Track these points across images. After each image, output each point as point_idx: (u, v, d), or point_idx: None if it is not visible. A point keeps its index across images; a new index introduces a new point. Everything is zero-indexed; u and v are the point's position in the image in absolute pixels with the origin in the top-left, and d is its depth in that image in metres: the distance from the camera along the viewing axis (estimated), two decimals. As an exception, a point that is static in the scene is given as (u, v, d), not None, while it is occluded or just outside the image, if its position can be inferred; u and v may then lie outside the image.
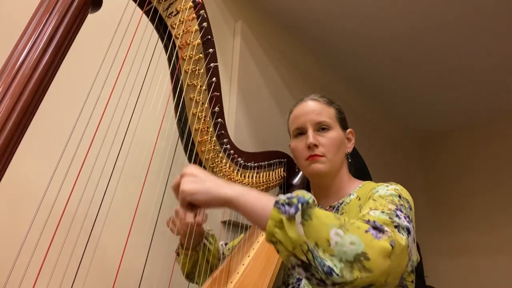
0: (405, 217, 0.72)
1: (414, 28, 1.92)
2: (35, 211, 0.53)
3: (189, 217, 0.93)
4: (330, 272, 0.58)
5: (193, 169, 0.69)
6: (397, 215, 0.70)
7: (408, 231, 0.69)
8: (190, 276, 0.99)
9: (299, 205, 0.59)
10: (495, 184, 2.54)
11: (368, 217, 0.67)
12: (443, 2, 1.74)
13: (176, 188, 0.70)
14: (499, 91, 2.41)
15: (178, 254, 1.01)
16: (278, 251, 0.61)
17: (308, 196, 0.62)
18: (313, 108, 1.01)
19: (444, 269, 2.56)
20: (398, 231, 0.66)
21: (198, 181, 0.67)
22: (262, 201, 0.63)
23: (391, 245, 0.61)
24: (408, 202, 0.80)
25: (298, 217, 0.59)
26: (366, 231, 0.62)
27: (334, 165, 0.98)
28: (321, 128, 0.99)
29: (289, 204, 0.60)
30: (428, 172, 2.95)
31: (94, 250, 0.90)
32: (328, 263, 0.58)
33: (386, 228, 0.63)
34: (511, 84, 2.31)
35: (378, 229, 0.63)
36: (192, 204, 0.69)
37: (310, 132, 0.98)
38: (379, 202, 0.75)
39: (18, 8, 0.93)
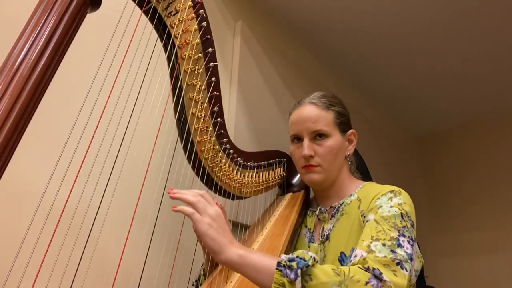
0: (408, 241, 0.74)
1: (414, 28, 1.92)
2: (34, 210, 0.53)
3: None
4: None
5: (217, 215, 0.72)
6: (399, 245, 0.72)
7: (411, 259, 0.71)
8: None
9: (298, 271, 0.62)
10: (495, 184, 2.54)
11: (369, 260, 0.68)
12: (444, 3, 1.74)
13: (194, 204, 0.72)
14: (499, 91, 2.40)
15: (197, 287, 0.99)
16: None
17: (308, 257, 0.65)
18: (310, 114, 0.98)
19: (444, 269, 2.56)
20: (401, 267, 0.68)
21: (216, 228, 0.70)
22: (265, 263, 0.66)
23: None
24: (410, 220, 0.80)
25: (298, 283, 0.62)
26: (367, 283, 0.64)
27: (330, 173, 0.97)
28: (318, 135, 0.97)
29: (290, 268, 0.63)
30: (428, 172, 2.95)
31: (93, 250, 0.90)
32: None
33: (385, 277, 0.65)
34: (511, 84, 2.31)
35: (378, 278, 0.65)
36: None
37: (306, 142, 0.97)
38: (381, 228, 0.76)
39: (17, 8, 0.93)
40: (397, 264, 0.68)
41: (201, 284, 0.96)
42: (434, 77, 2.30)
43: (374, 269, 0.66)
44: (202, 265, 1.00)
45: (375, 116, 2.63)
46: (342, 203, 0.95)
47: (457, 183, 2.75)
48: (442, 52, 2.09)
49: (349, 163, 1.04)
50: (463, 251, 2.55)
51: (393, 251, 0.70)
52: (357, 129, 1.06)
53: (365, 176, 1.17)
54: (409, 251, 0.72)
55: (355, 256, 0.72)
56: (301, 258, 0.64)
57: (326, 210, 0.98)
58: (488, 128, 2.69)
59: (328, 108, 0.99)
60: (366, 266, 0.67)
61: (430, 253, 2.47)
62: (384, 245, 0.71)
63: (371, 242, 0.73)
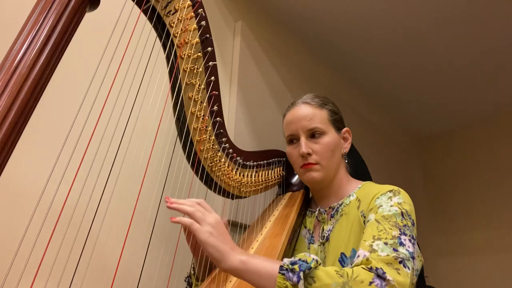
0: (409, 240, 0.74)
1: (415, 28, 1.92)
2: (34, 208, 0.53)
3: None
4: None
5: (217, 223, 0.72)
6: (401, 243, 0.72)
7: (413, 258, 0.71)
8: None
9: (301, 274, 0.63)
10: (495, 184, 2.54)
11: (372, 260, 0.68)
12: (443, 2, 1.74)
13: (192, 215, 0.71)
14: (500, 92, 2.40)
15: (188, 283, 0.98)
16: None
17: (310, 259, 0.65)
18: (304, 113, 0.99)
19: (444, 269, 2.56)
20: (404, 265, 0.68)
21: (216, 236, 0.69)
22: (268, 268, 0.66)
23: None
24: (410, 218, 0.80)
25: (301, 285, 0.62)
26: (371, 283, 0.64)
27: (329, 170, 0.97)
28: (314, 134, 0.98)
29: (292, 271, 0.63)
30: (428, 173, 2.95)
31: (92, 248, 0.90)
32: None
33: (389, 277, 0.65)
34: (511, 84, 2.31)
35: (382, 278, 0.65)
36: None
37: (303, 141, 0.97)
38: (382, 227, 0.76)
39: (15, 7, 0.93)
40: (400, 262, 0.68)
41: (192, 283, 0.96)
42: (434, 77, 2.30)
43: (377, 268, 0.66)
44: (192, 265, 0.99)
45: (375, 116, 2.63)
46: (341, 204, 0.95)
47: (457, 183, 2.75)
48: (443, 53, 2.08)
49: (346, 162, 1.04)
50: (463, 251, 2.54)
51: (395, 250, 0.70)
52: (357, 129, 1.06)
53: (365, 176, 1.17)
54: (410, 250, 0.72)
55: (358, 256, 0.72)
56: (303, 261, 0.64)
57: (325, 211, 0.98)
58: (488, 128, 2.69)
59: (321, 107, 1.00)
60: (369, 266, 0.67)
61: (430, 253, 2.47)
62: (386, 244, 0.71)
63: (373, 242, 0.73)
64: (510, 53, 2.05)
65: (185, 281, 1.00)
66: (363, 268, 0.67)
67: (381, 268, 0.66)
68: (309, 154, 0.96)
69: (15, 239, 0.81)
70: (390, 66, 2.23)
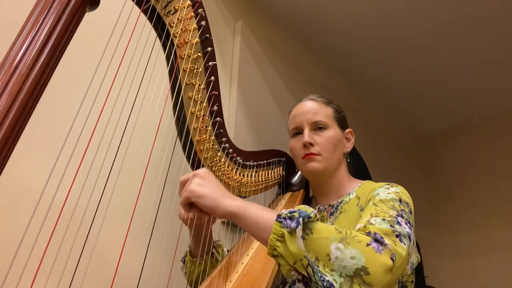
0: (406, 223, 0.73)
1: (415, 28, 1.92)
2: (34, 208, 0.53)
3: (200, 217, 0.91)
4: (329, 287, 0.58)
5: (206, 173, 0.72)
6: (398, 222, 0.71)
7: (409, 238, 0.70)
8: (194, 286, 0.97)
9: (300, 219, 0.61)
10: (495, 184, 2.53)
11: (370, 227, 0.68)
12: (443, 2, 1.74)
13: (184, 182, 0.72)
14: (500, 91, 2.40)
15: (184, 262, 0.99)
16: (279, 265, 0.62)
17: (309, 210, 0.64)
18: (310, 108, 1.02)
19: (444, 269, 2.56)
20: (400, 240, 0.67)
21: (208, 186, 0.69)
22: (265, 215, 0.65)
23: (392, 259, 0.62)
24: (408, 206, 0.80)
25: (299, 231, 0.60)
26: (368, 245, 0.62)
27: (330, 163, 0.98)
28: (318, 127, 1.00)
29: (291, 218, 0.61)
30: (428, 172, 2.95)
31: (93, 247, 0.90)
32: (328, 277, 0.59)
33: (387, 241, 0.64)
34: (512, 84, 2.31)
35: (379, 242, 0.64)
36: (192, 205, 0.71)
37: (306, 131, 0.99)
38: (380, 208, 0.76)
39: (15, 7, 0.93)
40: (397, 236, 0.67)
41: (187, 261, 0.95)
42: (434, 77, 2.30)
43: (375, 233, 0.65)
44: (188, 243, 0.99)
45: (376, 116, 2.63)
46: (341, 202, 0.96)
47: (458, 183, 2.75)
48: (443, 52, 2.08)
49: (347, 161, 1.05)
50: (463, 251, 2.54)
51: (392, 226, 0.69)
52: (357, 129, 1.07)
53: (366, 176, 1.17)
54: (407, 230, 0.71)
55: (356, 229, 0.71)
56: (303, 210, 0.63)
57: (325, 208, 0.98)
58: (489, 128, 2.69)
59: (327, 104, 1.04)
60: (367, 231, 0.66)
61: (430, 253, 2.47)
62: (384, 219, 0.71)
63: (370, 218, 0.72)
64: (510, 53, 2.05)
65: (181, 261, 1.00)
66: (361, 232, 0.66)
67: (379, 233, 0.65)
68: (311, 144, 0.97)
69: (15, 239, 0.81)
70: (391, 66, 2.23)
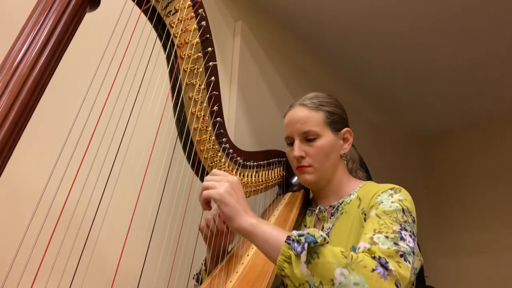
0: (410, 235, 0.74)
1: (415, 28, 1.92)
2: (34, 209, 0.53)
3: (221, 224, 0.92)
4: None
5: (238, 183, 0.76)
6: (401, 238, 0.72)
7: (413, 253, 0.71)
8: None
9: (305, 245, 0.63)
10: (496, 183, 2.54)
11: (374, 249, 0.68)
12: (444, 2, 1.74)
13: (214, 177, 0.77)
14: (500, 91, 2.40)
15: (198, 280, 0.99)
16: (286, 285, 0.65)
17: (318, 234, 0.65)
18: (299, 116, 1.00)
19: (444, 269, 2.56)
20: (404, 259, 0.68)
21: (236, 197, 0.73)
22: (276, 235, 0.68)
23: (396, 285, 0.63)
24: (411, 215, 0.80)
25: (303, 256, 0.62)
26: (373, 270, 0.63)
27: (322, 173, 0.98)
28: (308, 138, 0.98)
29: (298, 242, 0.63)
30: (428, 172, 2.95)
31: (93, 248, 0.90)
32: None
33: (391, 266, 0.64)
34: (512, 84, 2.31)
35: (384, 267, 0.64)
36: (209, 204, 0.78)
37: (296, 144, 0.99)
38: (383, 221, 0.76)
39: (16, 7, 0.93)
40: (401, 256, 0.68)
41: (201, 279, 0.97)
42: (435, 77, 2.30)
43: (380, 257, 0.65)
44: (204, 260, 1.00)
45: (376, 116, 2.63)
46: (342, 202, 0.95)
47: (458, 183, 2.75)
48: (443, 52, 2.08)
49: (345, 162, 1.04)
50: (463, 251, 2.54)
51: (396, 244, 0.70)
52: (357, 129, 1.06)
53: (366, 176, 1.17)
54: (411, 245, 0.72)
55: (359, 248, 0.72)
56: (311, 235, 0.64)
57: (326, 209, 0.98)
58: (489, 128, 2.69)
59: (318, 109, 1.00)
60: (372, 255, 0.67)
61: (430, 253, 2.47)
62: (387, 237, 0.71)
63: (373, 235, 0.73)
64: (510, 53, 2.05)
65: (193, 278, 1.00)
66: (366, 255, 0.66)
67: (384, 258, 0.66)
68: (302, 157, 0.98)
69: (15, 239, 0.81)
70: (391, 66, 2.23)
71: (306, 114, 0.99)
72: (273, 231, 0.69)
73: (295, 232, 0.65)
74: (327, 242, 0.66)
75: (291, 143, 1.03)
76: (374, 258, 0.66)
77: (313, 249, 0.64)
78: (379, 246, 0.69)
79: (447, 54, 2.09)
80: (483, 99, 2.50)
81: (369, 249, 0.69)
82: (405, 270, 0.66)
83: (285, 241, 0.64)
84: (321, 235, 0.65)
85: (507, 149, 2.55)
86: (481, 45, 2.01)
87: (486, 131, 2.70)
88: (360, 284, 0.61)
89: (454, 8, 1.77)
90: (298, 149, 0.98)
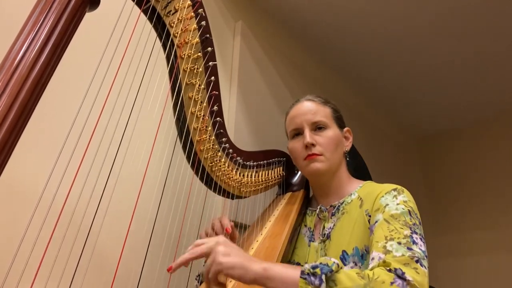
0: (420, 239, 0.74)
1: (415, 28, 1.92)
2: (34, 208, 0.53)
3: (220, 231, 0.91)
4: None
5: (225, 240, 0.71)
6: (413, 242, 0.72)
7: (426, 256, 0.71)
8: None
9: (323, 276, 0.63)
10: (495, 184, 2.53)
11: (389, 261, 0.68)
12: (444, 1, 1.74)
13: (199, 245, 0.71)
14: (500, 91, 2.40)
15: (199, 282, 0.99)
16: None
17: (331, 262, 0.65)
18: (309, 108, 1.02)
19: (444, 269, 2.56)
20: (420, 264, 0.68)
21: (234, 254, 0.69)
22: (290, 273, 0.66)
23: None
24: (417, 216, 0.81)
25: None
26: (391, 283, 0.63)
27: (332, 163, 0.98)
28: (318, 127, 1.00)
29: (314, 274, 0.63)
30: (428, 172, 2.95)
31: (93, 248, 0.90)
32: None
33: (408, 276, 0.64)
34: (512, 84, 2.30)
35: (402, 278, 0.65)
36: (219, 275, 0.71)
37: (307, 132, 0.99)
38: (393, 227, 0.76)
39: (16, 7, 0.93)
40: (417, 261, 0.68)
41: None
42: (435, 76, 2.30)
43: (396, 269, 0.66)
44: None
45: (376, 116, 2.63)
46: (343, 202, 0.95)
47: (458, 183, 2.75)
48: (443, 52, 2.08)
49: (347, 159, 1.05)
50: (463, 251, 2.54)
51: (409, 249, 0.70)
52: (357, 129, 1.07)
53: (366, 176, 1.17)
54: (423, 248, 0.72)
55: (373, 259, 0.72)
56: (324, 264, 0.65)
57: (327, 209, 0.98)
58: (489, 128, 2.69)
59: (324, 104, 1.04)
60: (388, 268, 0.67)
61: (430, 253, 2.44)
62: (399, 243, 0.71)
63: (386, 243, 0.73)
64: (511, 53, 2.05)
65: (196, 279, 1.00)
66: (382, 269, 0.66)
67: (399, 268, 0.66)
68: (313, 144, 0.97)
69: (15, 239, 0.81)
70: (391, 66, 2.23)
71: (315, 107, 1.02)
72: (286, 269, 0.67)
73: (307, 266, 0.65)
74: (341, 268, 0.66)
75: (297, 135, 1.02)
76: (390, 271, 0.66)
77: (329, 278, 0.64)
78: (393, 254, 0.69)
79: (447, 53, 2.09)
80: (484, 98, 2.50)
81: (384, 261, 0.69)
82: (423, 277, 0.66)
83: (300, 277, 0.64)
84: (334, 262, 0.65)
85: (507, 149, 2.55)
86: (482, 45, 2.01)
87: (486, 131, 2.70)
88: None
89: (455, 7, 1.77)
90: (310, 136, 0.98)
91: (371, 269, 0.68)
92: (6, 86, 0.47)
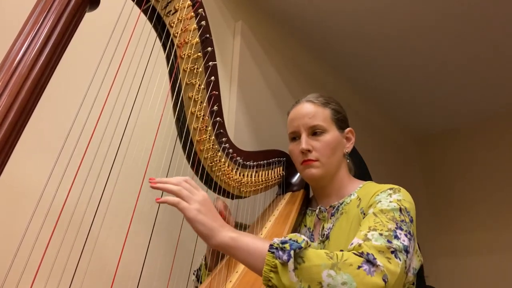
0: (405, 235, 0.73)
1: (415, 27, 1.92)
2: (34, 208, 0.53)
3: (219, 205, 0.92)
4: None
5: (207, 198, 0.70)
6: (396, 236, 0.71)
7: (406, 251, 0.70)
8: None
9: (291, 252, 0.62)
10: (495, 184, 2.54)
11: (364, 246, 0.68)
12: (443, 1, 1.74)
13: (181, 196, 0.69)
14: (500, 91, 2.40)
15: (197, 276, 0.98)
16: None
17: (300, 239, 0.65)
18: (307, 111, 1.00)
19: (444, 269, 2.56)
20: (395, 256, 0.67)
21: (205, 213, 0.68)
22: (258, 245, 0.65)
23: (384, 280, 0.63)
24: (409, 215, 0.80)
25: (291, 264, 0.61)
26: (359, 267, 0.63)
27: (329, 168, 0.98)
28: (315, 132, 0.99)
29: (283, 249, 0.62)
30: (428, 172, 2.95)
31: (92, 248, 0.90)
32: None
33: (379, 262, 0.64)
34: (512, 84, 2.30)
35: (371, 263, 0.64)
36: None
37: (303, 137, 0.98)
38: (379, 219, 0.76)
39: (16, 7, 0.93)
40: (392, 252, 0.68)
41: (201, 275, 0.96)
42: (435, 77, 2.30)
43: (368, 254, 0.65)
44: (204, 256, 1.00)
45: (376, 116, 2.63)
46: (342, 203, 0.95)
47: (457, 183, 2.75)
48: (443, 52, 2.08)
49: (347, 161, 1.04)
50: (463, 251, 2.54)
51: (389, 241, 0.70)
52: (357, 129, 1.06)
53: (365, 176, 1.17)
54: (405, 243, 0.71)
55: (352, 244, 0.71)
56: (294, 241, 0.64)
57: (326, 209, 0.98)
58: (489, 128, 2.69)
59: (325, 106, 1.02)
60: (360, 251, 0.66)
61: (430, 253, 2.47)
62: (381, 234, 0.71)
63: (368, 232, 0.72)
64: (511, 53, 2.05)
65: (193, 274, 1.00)
66: (353, 253, 0.66)
67: (372, 254, 0.65)
68: (309, 150, 0.97)
69: (15, 239, 0.81)
70: (391, 66, 2.23)
71: (313, 109, 1.00)
72: (256, 241, 0.66)
73: (277, 240, 0.64)
74: (309, 245, 0.66)
75: (295, 138, 1.02)
76: (361, 254, 0.65)
77: (298, 254, 0.63)
78: (371, 242, 0.69)
79: (447, 54, 2.09)
80: (484, 98, 2.50)
81: (359, 245, 0.69)
82: (395, 266, 0.65)
83: (268, 251, 0.63)
84: (304, 239, 0.65)
85: (507, 149, 2.55)
86: (482, 45, 2.01)
87: (486, 131, 2.70)
88: (348, 283, 0.61)
89: (456, 7, 1.77)
90: (305, 142, 0.97)
91: (344, 251, 0.67)
92: (6, 86, 0.47)
